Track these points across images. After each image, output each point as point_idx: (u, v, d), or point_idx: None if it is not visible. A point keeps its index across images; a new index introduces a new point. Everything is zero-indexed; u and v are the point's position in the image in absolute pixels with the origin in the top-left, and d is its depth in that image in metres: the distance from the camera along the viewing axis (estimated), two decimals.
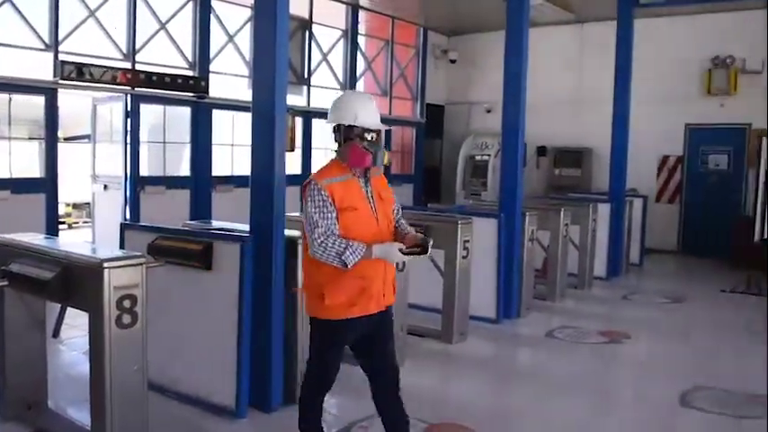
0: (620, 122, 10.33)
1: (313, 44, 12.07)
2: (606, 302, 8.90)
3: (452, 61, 15.08)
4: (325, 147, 12.66)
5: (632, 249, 10.90)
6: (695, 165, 12.54)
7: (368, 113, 3.46)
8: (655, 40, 11.90)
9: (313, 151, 12.15)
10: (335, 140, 3.52)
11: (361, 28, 13.31)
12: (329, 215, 3.32)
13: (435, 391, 5.36)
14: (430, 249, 3.42)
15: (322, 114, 12.11)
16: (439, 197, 14.75)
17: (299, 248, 4.76)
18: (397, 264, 3.62)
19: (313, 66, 12.11)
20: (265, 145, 4.73)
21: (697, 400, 5.23)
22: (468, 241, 6.63)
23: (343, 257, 3.25)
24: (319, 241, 3.28)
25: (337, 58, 12.83)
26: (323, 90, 12.39)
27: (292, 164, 10.81)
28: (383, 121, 3.56)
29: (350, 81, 12.86)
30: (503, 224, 7.24)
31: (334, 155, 3.54)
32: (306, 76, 11.94)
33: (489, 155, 13.57)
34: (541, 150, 13.98)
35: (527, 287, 7.78)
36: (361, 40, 13.38)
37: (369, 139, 3.44)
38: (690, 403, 5.18)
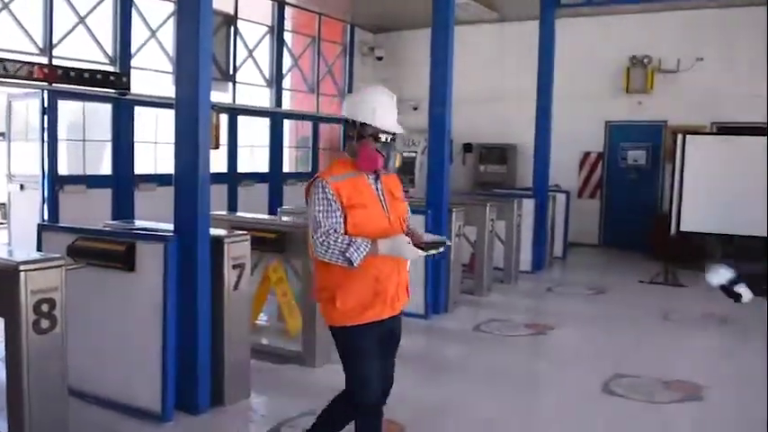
0: (542, 120, 10.55)
1: (238, 40, 11.90)
2: (531, 295, 9.11)
3: (379, 58, 15.09)
4: (251, 144, 12.54)
5: (556, 243, 11.20)
6: (615, 161, 12.94)
7: (386, 113, 3.28)
8: (576, 39, 12.18)
9: (239, 149, 11.96)
10: (348, 135, 3.35)
11: (288, 24, 13.19)
12: (333, 214, 3.16)
13: None
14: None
15: (247, 111, 12.01)
16: None
17: (226, 247, 4.72)
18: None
19: (238, 62, 11.95)
20: (189, 142, 4.64)
21: (618, 387, 5.41)
22: None
23: (346, 254, 3.08)
24: (321, 240, 3.12)
25: (263, 54, 12.68)
26: (248, 87, 12.25)
27: (217, 162, 10.65)
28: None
29: (276, 78, 12.74)
30: (430, 220, 7.29)
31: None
32: (231, 72, 11.78)
33: (416, 152, 13.68)
34: (467, 147, 14.18)
35: (454, 282, 7.90)
36: (288, 37, 13.27)
37: (383, 140, 3.28)
38: (611, 390, 5.36)
